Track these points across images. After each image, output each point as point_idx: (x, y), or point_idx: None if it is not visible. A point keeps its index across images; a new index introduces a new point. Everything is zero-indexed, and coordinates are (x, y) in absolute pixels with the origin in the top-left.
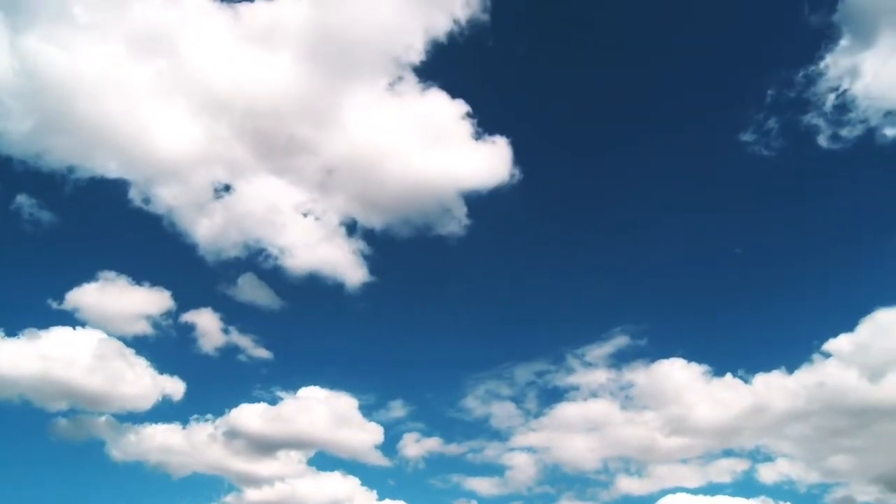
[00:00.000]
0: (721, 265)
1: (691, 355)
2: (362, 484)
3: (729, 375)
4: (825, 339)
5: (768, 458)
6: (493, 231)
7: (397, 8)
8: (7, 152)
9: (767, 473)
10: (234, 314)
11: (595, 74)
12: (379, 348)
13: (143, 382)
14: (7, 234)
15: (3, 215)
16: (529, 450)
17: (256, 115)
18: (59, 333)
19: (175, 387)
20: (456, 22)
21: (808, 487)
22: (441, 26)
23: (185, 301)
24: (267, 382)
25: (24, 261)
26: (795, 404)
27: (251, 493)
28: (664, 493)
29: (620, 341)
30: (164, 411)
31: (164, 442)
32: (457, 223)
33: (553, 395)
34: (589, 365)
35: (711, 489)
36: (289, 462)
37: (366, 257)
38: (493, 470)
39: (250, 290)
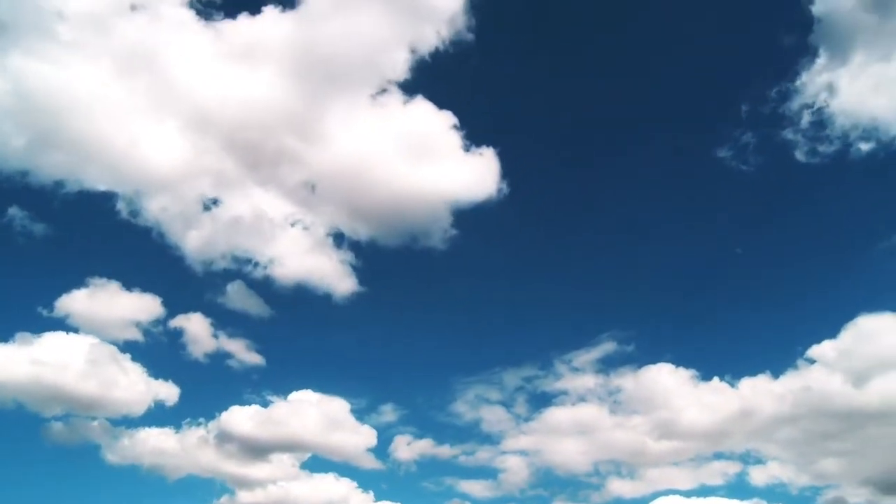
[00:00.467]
0: (707, 273)
1: (678, 360)
2: (358, 486)
3: (716, 380)
4: (809, 345)
5: (759, 461)
6: (481, 240)
7: (381, 23)
8: None
9: (759, 476)
10: (224, 320)
11: (582, 87)
12: (369, 353)
13: (137, 387)
14: None
15: None
16: (521, 453)
17: (243, 129)
18: (53, 339)
19: (168, 391)
20: (441, 36)
21: (800, 490)
22: (427, 41)
23: (175, 307)
24: (258, 387)
25: (16, 270)
26: (782, 408)
27: (244, 496)
28: (656, 495)
29: (608, 347)
30: (158, 415)
31: (157, 445)
32: (444, 233)
33: (542, 400)
34: (576, 370)
35: (704, 491)
36: (282, 465)
37: (354, 268)
38: (486, 473)
39: (239, 298)
